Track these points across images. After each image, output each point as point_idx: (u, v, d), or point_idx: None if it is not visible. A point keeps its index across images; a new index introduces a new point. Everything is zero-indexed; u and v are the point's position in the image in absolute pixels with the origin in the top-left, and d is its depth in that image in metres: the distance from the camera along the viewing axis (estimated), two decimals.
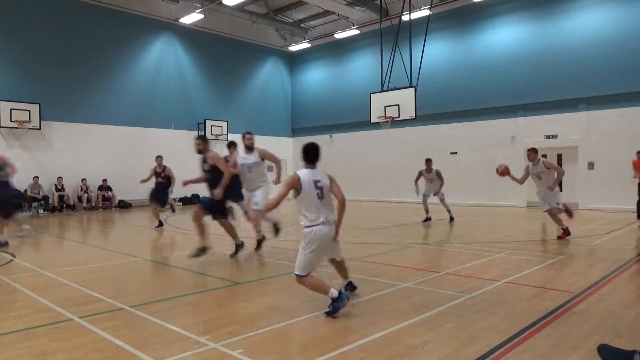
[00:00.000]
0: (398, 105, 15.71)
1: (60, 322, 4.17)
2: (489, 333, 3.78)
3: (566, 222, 8.89)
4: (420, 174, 12.62)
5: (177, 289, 5.47)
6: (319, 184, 4.43)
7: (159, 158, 11.97)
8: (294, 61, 26.32)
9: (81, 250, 8.97)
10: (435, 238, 9.49)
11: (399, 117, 15.75)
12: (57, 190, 17.23)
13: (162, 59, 20.97)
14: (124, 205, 18.66)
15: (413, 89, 15.42)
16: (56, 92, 17.49)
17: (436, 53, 19.51)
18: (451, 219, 12.44)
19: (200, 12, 19.76)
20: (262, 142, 26.76)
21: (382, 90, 16.36)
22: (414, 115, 15.39)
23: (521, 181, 8.94)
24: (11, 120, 16.14)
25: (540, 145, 17.26)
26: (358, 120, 21.72)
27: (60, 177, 17.29)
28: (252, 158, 7.86)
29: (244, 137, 7.95)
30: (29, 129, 16.62)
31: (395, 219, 13.85)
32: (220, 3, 19.15)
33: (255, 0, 21.33)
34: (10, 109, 16.14)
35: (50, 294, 5.18)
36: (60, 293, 5.24)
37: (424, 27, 16.45)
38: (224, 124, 22.54)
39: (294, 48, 25.13)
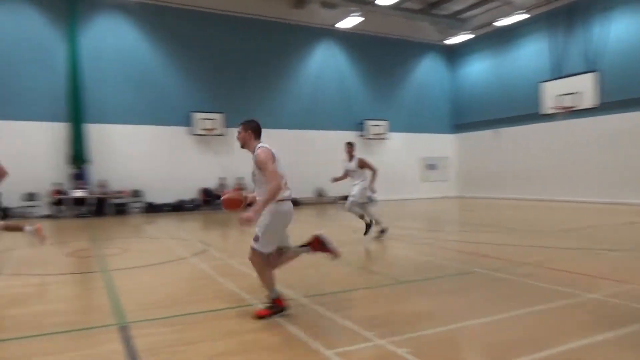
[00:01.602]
0: (575, 93, 14.05)
1: (242, 307, 4.68)
2: None
3: None
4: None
5: (344, 283, 5.71)
6: None
7: None
8: (454, 55, 25.33)
9: None
10: (634, 243, 8.24)
11: (576, 106, 14.07)
12: (239, 189, 19.41)
13: (323, 64, 22.09)
14: (294, 203, 20.12)
15: (594, 73, 13.62)
16: (236, 102, 19.72)
17: (623, 29, 16.87)
18: (368, 227, 9.20)
19: (356, 15, 20.26)
20: (422, 139, 26.50)
21: (555, 78, 14.80)
22: (596, 103, 13.58)
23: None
24: (202, 129, 18.72)
25: None
26: (526, 112, 20.00)
27: (242, 177, 19.40)
28: None
29: None
30: (216, 135, 19.02)
31: (577, 221, 12.40)
32: (375, 4, 19.38)
33: None
34: (202, 119, 18.73)
35: (235, 280, 5.84)
36: (243, 280, 5.87)
37: (603, 2, 14.38)
38: (384, 123, 22.79)
39: (452, 41, 24.17)
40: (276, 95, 20.87)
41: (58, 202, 16.23)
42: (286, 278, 5.95)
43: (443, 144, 25.17)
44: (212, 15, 19.49)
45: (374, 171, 8.94)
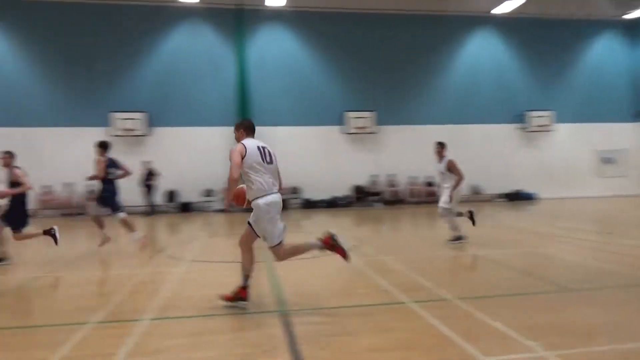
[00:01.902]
0: None
1: (395, 304, 4.70)
2: None
3: None
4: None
5: (501, 286, 5.36)
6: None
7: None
8: (636, 30, 21.85)
9: (410, 239, 9.86)
10: None
11: None
12: (390, 186, 19.49)
13: (478, 54, 20.91)
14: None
15: None
16: (388, 99, 19.82)
17: None
18: (458, 237, 8.31)
19: None
20: (596, 129, 23.53)
21: None
22: None
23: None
24: (355, 127, 19.24)
25: None
26: None
27: (393, 174, 19.49)
28: None
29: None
30: (368, 133, 19.37)
31: None
32: None
33: None
34: (354, 118, 19.25)
35: (387, 277, 5.89)
36: (394, 277, 5.89)
37: None
38: (549, 114, 20.74)
39: (635, 15, 20.86)
40: (428, 90, 20.42)
41: None
42: (440, 278, 5.81)
43: (623, 134, 21.93)
44: (362, 16, 19.87)
45: (459, 178, 8.25)
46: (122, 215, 8.27)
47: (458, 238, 8.43)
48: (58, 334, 3.98)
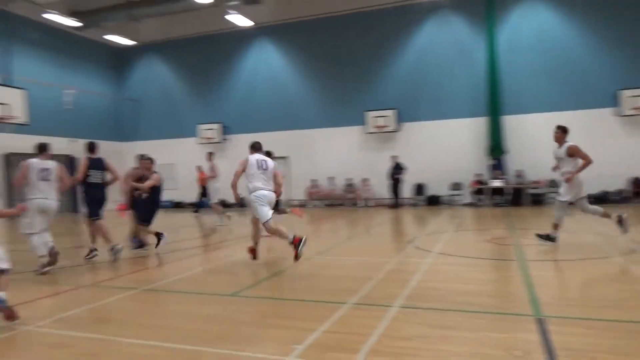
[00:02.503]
0: None
1: None
2: None
3: None
4: None
5: None
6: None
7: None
8: None
9: None
10: None
11: None
12: None
13: None
14: None
15: None
16: None
17: None
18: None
19: None
20: None
21: None
22: None
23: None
24: (632, 108, 16.15)
25: None
26: None
27: None
28: None
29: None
30: None
31: None
32: None
33: None
34: (631, 97, 16.15)
35: None
36: None
37: None
38: None
39: None
40: None
41: (478, 192, 17.60)
42: None
43: None
44: None
45: (585, 162, 7.39)
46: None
47: (548, 237, 7.71)
48: (322, 310, 4.58)
